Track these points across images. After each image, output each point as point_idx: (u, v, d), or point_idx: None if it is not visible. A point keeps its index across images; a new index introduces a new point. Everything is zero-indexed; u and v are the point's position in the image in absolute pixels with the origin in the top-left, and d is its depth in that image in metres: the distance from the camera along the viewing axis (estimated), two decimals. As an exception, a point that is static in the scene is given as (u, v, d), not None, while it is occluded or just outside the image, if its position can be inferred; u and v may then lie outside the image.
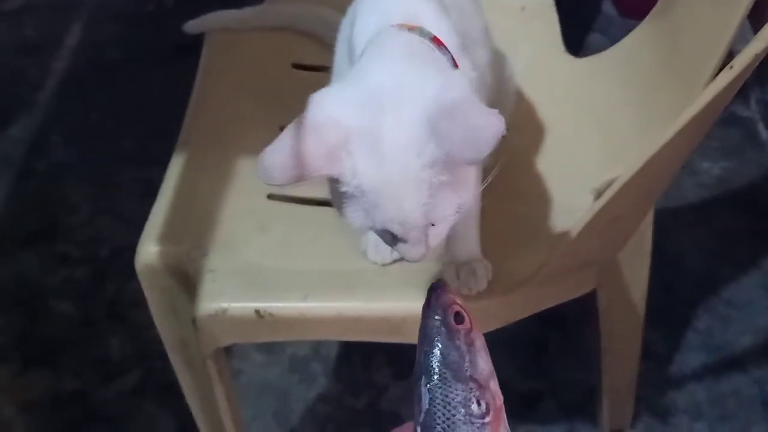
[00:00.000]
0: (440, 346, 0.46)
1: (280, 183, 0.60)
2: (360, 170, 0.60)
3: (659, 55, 0.88)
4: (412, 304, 0.48)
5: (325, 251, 0.85)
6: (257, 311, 0.79)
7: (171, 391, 0.99)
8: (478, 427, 0.45)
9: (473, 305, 0.77)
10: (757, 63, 0.55)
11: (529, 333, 1.27)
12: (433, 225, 0.63)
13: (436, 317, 0.47)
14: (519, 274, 0.78)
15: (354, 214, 0.63)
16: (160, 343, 0.92)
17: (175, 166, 0.92)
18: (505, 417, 0.46)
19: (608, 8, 1.84)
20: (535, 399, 1.22)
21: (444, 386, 0.46)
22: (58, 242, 1.46)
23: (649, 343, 1.18)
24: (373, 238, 0.84)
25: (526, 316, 0.84)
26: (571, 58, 1.04)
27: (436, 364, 0.46)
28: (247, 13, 1.12)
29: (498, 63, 0.86)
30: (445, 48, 0.66)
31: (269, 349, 1.27)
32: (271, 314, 0.79)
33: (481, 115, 0.59)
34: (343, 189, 0.61)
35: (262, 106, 1.01)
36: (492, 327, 0.82)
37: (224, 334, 0.82)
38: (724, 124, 1.58)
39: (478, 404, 0.45)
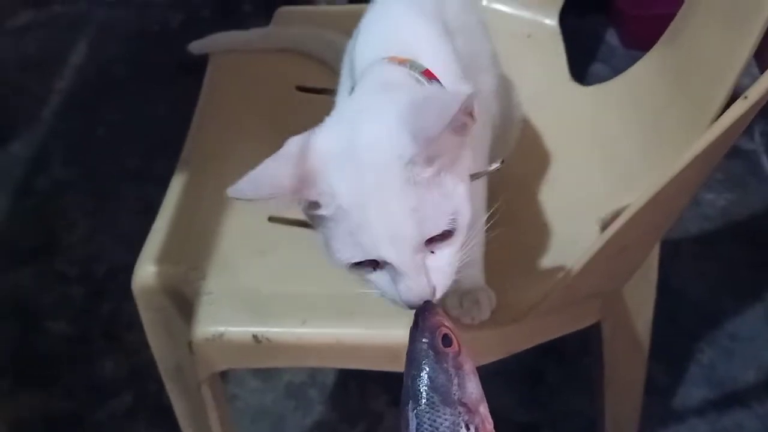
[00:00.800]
0: (428, 369, 0.46)
1: (249, 198, 0.57)
2: (338, 189, 0.57)
3: (667, 84, 0.87)
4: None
5: (325, 276, 0.83)
6: (255, 336, 0.78)
7: (164, 413, 0.98)
8: None
9: (476, 335, 0.76)
10: None
11: (527, 364, 1.26)
12: (432, 252, 0.58)
13: (424, 340, 0.47)
14: (522, 305, 0.77)
15: (340, 246, 0.58)
16: (154, 365, 0.91)
17: (176, 186, 0.92)
18: None
19: (612, 38, 1.85)
20: (534, 431, 1.20)
21: (432, 411, 0.45)
22: (56, 260, 1.45)
23: (652, 376, 1.16)
24: None
25: (529, 346, 0.82)
26: (577, 86, 1.04)
27: (424, 388, 0.46)
28: (252, 34, 1.12)
29: (505, 89, 0.85)
30: (437, 81, 0.64)
31: (265, 374, 1.26)
32: (268, 339, 0.78)
33: (447, 92, 0.58)
34: (322, 213, 0.58)
35: (264, 128, 1.01)
36: (494, 357, 0.81)
37: (221, 358, 0.81)
38: (727, 156, 1.54)
39: (467, 428, 0.45)
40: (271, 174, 0.57)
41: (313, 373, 1.24)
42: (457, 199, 0.58)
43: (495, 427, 0.47)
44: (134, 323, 0.88)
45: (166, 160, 0.99)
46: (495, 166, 0.67)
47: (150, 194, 0.93)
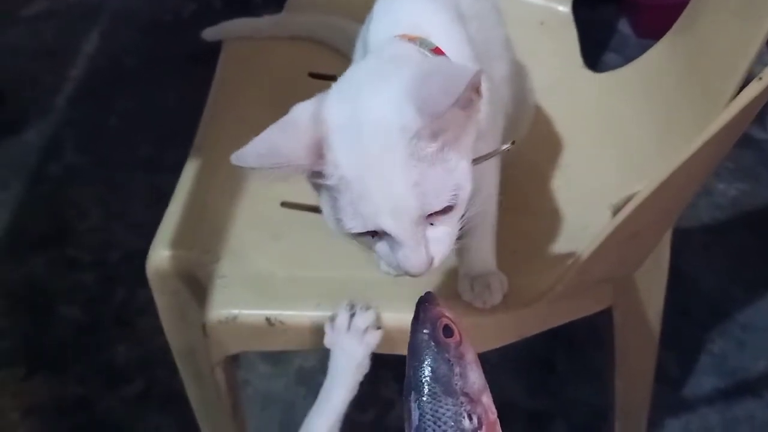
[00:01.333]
0: (429, 360, 0.46)
1: (253, 166, 0.57)
2: (342, 159, 0.57)
3: (680, 70, 0.87)
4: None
5: (338, 260, 0.85)
6: (268, 319, 0.78)
7: (176, 399, 0.99)
8: None
9: (487, 319, 0.76)
10: None
11: (537, 352, 1.26)
12: (432, 224, 0.58)
13: (425, 331, 0.47)
14: (534, 289, 0.77)
15: (343, 215, 0.58)
16: (166, 351, 0.92)
17: (189, 172, 0.92)
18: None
19: (624, 27, 1.84)
20: (544, 420, 1.20)
21: (434, 401, 0.45)
22: (69, 247, 1.46)
23: (663, 366, 1.17)
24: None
25: (541, 330, 0.82)
26: (590, 73, 1.03)
27: (426, 378, 0.46)
28: (264, 21, 1.12)
29: (519, 75, 0.85)
30: (447, 58, 0.64)
31: (276, 360, 1.26)
32: (281, 322, 0.78)
33: (452, 65, 0.58)
34: (326, 183, 0.58)
35: (277, 114, 0.99)
36: (505, 341, 0.81)
37: (234, 341, 0.81)
38: (739, 145, 1.56)
39: (470, 419, 0.45)
40: (276, 143, 0.57)
41: (324, 358, 1.23)
42: (460, 175, 0.58)
43: (499, 416, 0.47)
44: (146, 310, 0.89)
45: (177, 148, 0.99)
46: (506, 146, 0.67)
47: (162, 182, 0.93)
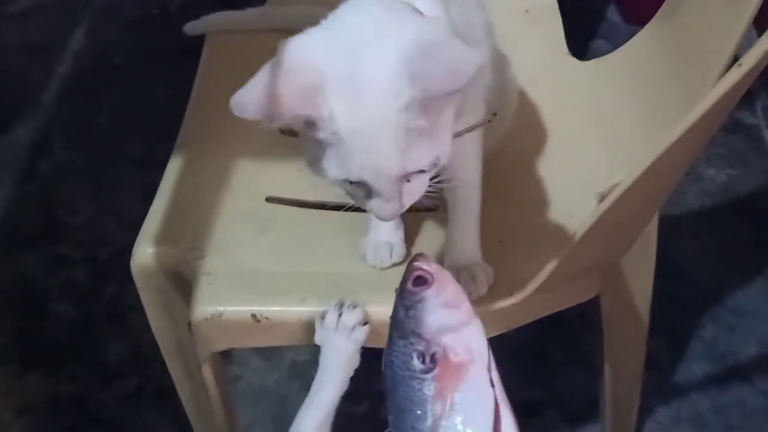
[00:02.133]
0: (394, 309, 0.47)
1: (253, 118, 0.59)
2: (337, 114, 0.59)
3: (665, 57, 0.87)
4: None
5: (323, 254, 0.84)
6: (253, 315, 0.78)
7: (169, 395, 0.99)
8: (418, 382, 0.42)
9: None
10: (766, 63, 0.54)
11: (530, 341, 1.26)
12: (408, 181, 0.62)
13: (397, 288, 0.48)
14: (520, 280, 0.77)
15: (328, 163, 0.62)
16: (158, 347, 0.91)
17: (173, 167, 0.92)
18: (476, 375, 0.43)
19: (613, 14, 1.84)
20: (537, 408, 1.21)
21: (390, 347, 0.45)
22: (60, 244, 1.45)
23: (653, 352, 1.17)
24: (372, 243, 0.83)
25: (529, 321, 0.82)
26: (575, 60, 1.03)
27: (390, 329, 0.46)
28: (247, 14, 1.11)
29: (500, 64, 0.85)
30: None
31: (268, 354, 1.26)
32: (267, 318, 0.78)
33: (458, 50, 0.59)
34: (319, 135, 0.60)
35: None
36: (493, 333, 0.80)
37: (220, 338, 0.81)
38: (729, 131, 1.57)
39: (422, 359, 0.43)
40: (276, 92, 0.59)
41: (316, 352, 1.23)
42: (443, 146, 0.62)
43: None
44: (137, 305, 0.88)
45: (167, 143, 0.99)
46: (487, 117, 0.68)
47: (152, 178, 0.93)
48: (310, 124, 0.60)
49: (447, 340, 0.44)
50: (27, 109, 1.72)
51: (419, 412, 0.43)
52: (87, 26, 1.92)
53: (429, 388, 0.42)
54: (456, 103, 0.63)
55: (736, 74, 0.54)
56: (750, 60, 0.53)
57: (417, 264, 0.48)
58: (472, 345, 0.45)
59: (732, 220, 1.45)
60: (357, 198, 0.65)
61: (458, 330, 0.45)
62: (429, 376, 0.43)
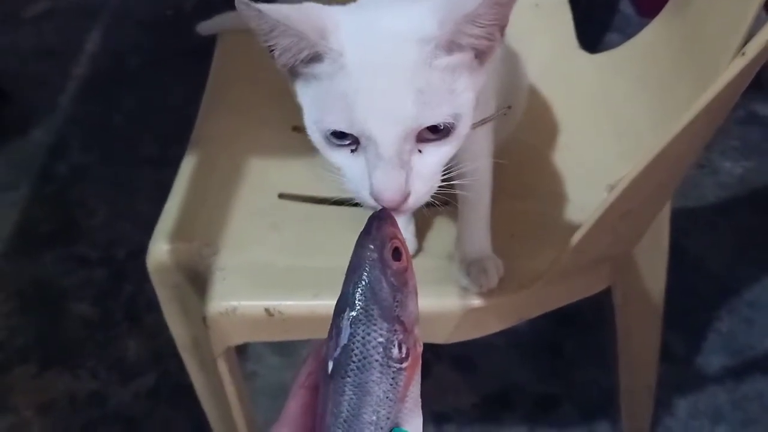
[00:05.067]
0: (372, 278, 0.43)
1: (255, 22, 0.53)
2: (348, 48, 0.53)
3: (674, 50, 0.86)
4: (423, 302, 0.46)
5: (336, 249, 0.84)
6: (267, 310, 0.79)
7: (187, 392, 0.99)
8: (394, 371, 0.41)
9: (485, 302, 0.77)
10: None
11: (545, 335, 1.26)
12: (420, 152, 0.55)
13: (372, 247, 0.43)
14: (531, 272, 0.77)
15: (329, 110, 0.54)
16: (175, 344, 0.92)
17: (187, 165, 0.92)
18: (420, 367, 0.42)
19: (626, 7, 1.83)
20: (553, 402, 1.21)
21: (368, 323, 0.42)
22: (77, 244, 1.47)
23: (670, 345, 1.16)
24: None
25: (540, 313, 0.82)
26: (585, 54, 1.03)
27: (363, 297, 0.42)
28: (259, 13, 1.12)
29: (510, 61, 0.85)
30: None
31: (285, 350, 1.27)
32: (281, 312, 0.79)
33: None
34: (320, 74, 0.54)
35: (273, 106, 1.01)
36: (504, 325, 0.81)
37: (235, 332, 0.82)
38: (744, 123, 1.56)
39: (399, 348, 0.42)
40: (290, 14, 0.53)
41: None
42: (463, 102, 0.55)
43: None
44: (154, 304, 0.89)
45: (182, 144, 0.99)
46: (501, 111, 0.66)
47: (167, 178, 0.94)
48: (315, 56, 0.54)
49: (417, 331, 0.43)
50: (44, 111, 1.75)
51: (388, 398, 0.42)
52: (102, 28, 1.94)
53: (401, 379, 0.41)
54: (483, 73, 0.57)
55: (740, 63, 0.53)
56: (754, 49, 0.52)
57: (392, 230, 0.44)
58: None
59: (748, 212, 1.44)
60: (355, 177, 0.56)
61: (419, 320, 0.43)
62: (404, 366, 0.41)
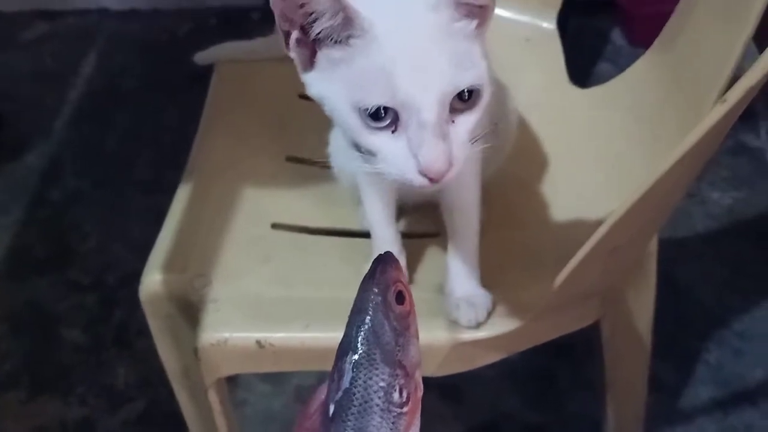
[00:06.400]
0: (375, 322, 0.43)
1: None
2: (377, 20, 0.56)
3: (663, 84, 0.88)
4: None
5: (327, 280, 0.86)
6: (258, 341, 0.79)
7: (176, 419, 0.99)
8: (394, 416, 0.41)
9: (474, 337, 0.77)
10: (753, 96, 0.55)
11: (537, 365, 1.26)
12: (453, 122, 0.58)
13: (376, 290, 0.44)
14: (520, 306, 0.78)
15: (366, 86, 0.56)
16: (165, 371, 0.92)
17: (182, 195, 0.93)
18: (420, 411, 0.43)
19: (617, 37, 1.85)
20: None
21: (370, 367, 0.42)
22: (69, 269, 1.47)
23: (659, 376, 1.17)
24: None
25: (529, 347, 0.83)
26: (575, 88, 1.04)
27: (366, 341, 0.43)
28: (255, 44, 1.13)
29: (500, 96, 0.86)
30: None
31: (274, 379, 1.27)
32: (272, 344, 0.79)
33: None
34: (350, 55, 0.57)
35: (268, 135, 1.03)
36: (493, 359, 0.82)
37: (226, 364, 0.82)
38: (733, 153, 1.57)
39: (400, 393, 0.42)
40: None
41: (322, 376, 1.24)
42: (483, 69, 0.59)
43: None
44: (145, 330, 0.89)
45: (176, 169, 1.00)
46: (490, 128, 0.67)
47: (161, 203, 0.94)
48: (347, 25, 0.56)
49: (418, 375, 0.43)
50: (39, 135, 1.75)
51: None
52: (97, 52, 1.95)
53: (401, 423, 0.42)
54: (482, 40, 0.60)
55: (721, 110, 0.54)
56: (734, 96, 0.53)
57: (396, 274, 0.44)
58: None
59: (737, 242, 1.45)
60: (396, 156, 0.57)
61: (421, 364, 0.44)
62: (404, 410, 0.42)
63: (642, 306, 0.92)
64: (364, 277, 0.44)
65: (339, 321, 0.78)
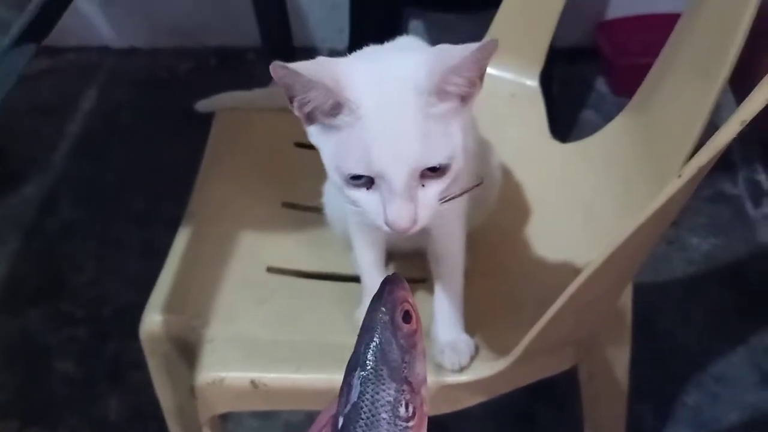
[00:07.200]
0: (382, 340, 0.45)
1: (299, 73, 0.62)
2: (363, 101, 0.63)
3: (636, 145, 0.93)
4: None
5: (319, 324, 0.89)
6: (252, 381, 0.82)
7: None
8: (401, 429, 0.43)
9: (457, 380, 0.81)
10: (706, 172, 0.59)
11: (518, 405, 1.29)
12: (423, 186, 0.65)
13: (384, 310, 0.46)
14: (502, 351, 0.82)
15: (349, 156, 0.64)
16: (157, 404, 0.95)
17: (182, 238, 0.96)
18: (426, 426, 0.45)
19: (601, 86, 1.91)
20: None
21: (377, 382, 0.44)
22: (63, 301, 1.49)
23: (638, 418, 1.20)
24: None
25: (509, 390, 0.87)
26: (556, 143, 1.09)
27: (374, 357, 0.44)
28: (254, 94, 1.18)
29: (483, 152, 0.91)
30: None
31: (264, 414, 1.29)
32: (265, 384, 0.83)
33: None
34: (341, 125, 0.64)
35: (265, 182, 1.07)
36: (476, 401, 0.85)
37: (221, 402, 0.85)
38: (713, 201, 1.62)
39: (406, 408, 0.44)
40: (315, 69, 0.63)
41: (311, 412, 1.27)
42: (457, 143, 0.66)
43: None
44: (138, 363, 0.92)
45: (171, 203, 1.03)
46: (476, 184, 0.72)
47: (155, 237, 0.97)
48: (337, 106, 0.64)
49: (424, 392, 0.45)
50: (36, 167, 1.77)
51: None
52: (97, 88, 1.99)
53: None
54: (467, 114, 0.67)
55: (676, 184, 0.58)
56: (688, 173, 0.57)
57: (403, 294, 0.46)
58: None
59: (716, 288, 1.49)
60: (372, 209, 0.66)
61: (426, 381, 0.46)
62: (410, 424, 0.44)
63: (618, 351, 0.95)
64: (374, 296, 0.47)
65: (328, 363, 0.83)
